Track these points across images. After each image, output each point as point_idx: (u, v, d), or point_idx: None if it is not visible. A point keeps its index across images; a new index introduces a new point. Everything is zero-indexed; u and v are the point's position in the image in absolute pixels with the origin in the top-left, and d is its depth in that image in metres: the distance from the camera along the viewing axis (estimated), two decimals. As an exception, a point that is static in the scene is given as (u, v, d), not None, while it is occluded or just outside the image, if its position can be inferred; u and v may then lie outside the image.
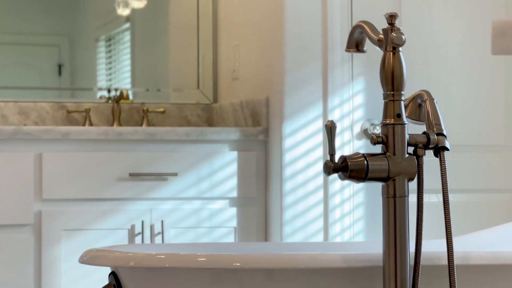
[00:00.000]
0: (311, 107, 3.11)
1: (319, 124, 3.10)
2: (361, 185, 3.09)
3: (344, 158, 1.45)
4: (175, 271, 1.54)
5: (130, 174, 2.99)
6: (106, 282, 1.65)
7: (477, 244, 1.97)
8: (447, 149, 1.50)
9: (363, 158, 1.44)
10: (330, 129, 1.45)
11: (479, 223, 2.98)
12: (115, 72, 3.70)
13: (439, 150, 1.49)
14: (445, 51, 3.17)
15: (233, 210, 3.15)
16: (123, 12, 3.64)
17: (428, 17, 3.14)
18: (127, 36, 3.72)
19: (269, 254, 1.62)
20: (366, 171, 1.43)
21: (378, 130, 3.10)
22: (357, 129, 3.12)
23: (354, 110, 3.13)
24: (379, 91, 3.06)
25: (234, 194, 3.14)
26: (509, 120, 3.21)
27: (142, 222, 3.03)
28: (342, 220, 3.10)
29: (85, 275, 2.86)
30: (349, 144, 3.12)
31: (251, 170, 3.17)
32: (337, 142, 3.11)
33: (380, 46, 1.49)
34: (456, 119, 3.11)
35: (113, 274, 1.60)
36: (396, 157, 1.45)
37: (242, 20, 3.47)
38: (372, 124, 3.11)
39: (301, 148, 3.11)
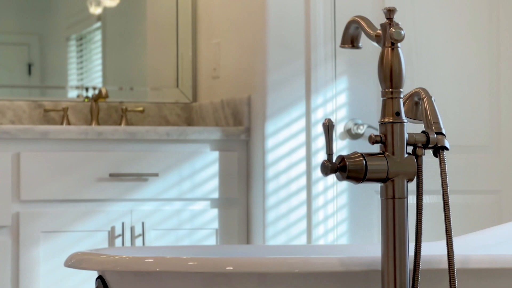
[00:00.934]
0: (294, 106, 3.07)
1: (302, 123, 3.06)
2: (344, 186, 3.06)
3: (342, 158, 1.40)
4: (164, 276, 1.49)
5: (110, 175, 2.93)
6: (86, 285, 1.60)
7: (471, 245, 1.93)
8: (447, 149, 1.46)
9: (361, 158, 1.39)
10: (327, 128, 1.40)
11: (465, 225, 2.96)
12: (86, 71, 3.64)
13: (438, 150, 1.45)
14: (429, 50, 3.14)
15: (215, 212, 3.10)
16: (95, 10, 3.57)
17: (411, 15, 3.12)
18: (98, 35, 3.66)
19: (263, 258, 1.57)
20: (365, 172, 1.39)
21: (361, 130, 3.06)
22: (340, 128, 3.08)
23: (337, 110, 3.09)
24: (363, 90, 3.09)
25: (216, 195, 3.10)
26: (493, 120, 3.19)
27: (123, 223, 2.97)
28: (326, 222, 3.06)
29: (64, 278, 2.80)
30: (333, 144, 3.07)
31: (232, 171, 3.12)
32: (320, 142, 3.07)
33: (377, 42, 1.44)
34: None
35: (100, 279, 1.54)
36: (395, 157, 1.41)
37: (222, 18, 3.41)
38: (355, 124, 3.07)
39: (283, 148, 3.07)
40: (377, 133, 3.06)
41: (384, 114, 1.42)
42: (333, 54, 3.05)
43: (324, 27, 3.04)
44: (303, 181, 3.06)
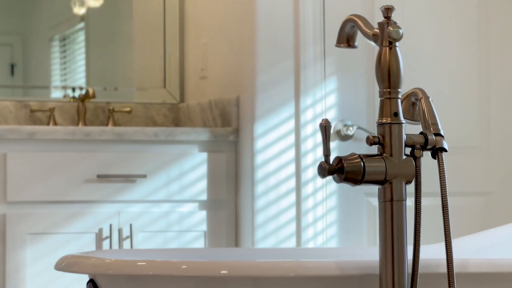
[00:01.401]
0: (283, 107, 3.04)
1: (291, 124, 3.04)
2: (334, 188, 3.04)
3: (339, 159, 1.37)
4: (157, 279, 1.46)
5: (98, 176, 2.90)
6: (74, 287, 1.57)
7: (468, 248, 1.92)
8: (446, 150, 1.44)
9: (359, 159, 1.37)
10: (324, 129, 1.38)
11: (455, 227, 2.94)
12: (70, 72, 3.60)
13: (437, 152, 1.43)
14: (418, 50, 3.13)
15: (203, 214, 3.07)
16: (79, 11, 3.53)
17: (401, 16, 3.09)
18: (82, 36, 3.63)
19: (257, 261, 1.55)
20: (363, 173, 1.36)
21: (351, 131, 3.04)
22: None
23: (326, 111, 3.07)
24: (352, 90, 3.08)
25: (204, 197, 3.07)
26: (483, 121, 3.18)
27: (110, 225, 2.94)
28: (315, 225, 3.04)
29: (51, 280, 2.76)
30: (322, 146, 3.05)
31: (221, 172, 3.09)
32: (309, 143, 3.05)
33: (375, 41, 1.42)
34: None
35: (91, 282, 1.51)
36: (393, 158, 1.38)
37: (210, 17, 3.39)
38: (345, 125, 3.05)
39: (273, 149, 3.05)
40: (367, 134, 3.06)
41: (382, 114, 1.39)
42: (322, 55, 3.03)
43: (313, 27, 3.02)
44: (292, 182, 3.04)
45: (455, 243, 1.95)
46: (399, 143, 1.39)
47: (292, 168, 3.03)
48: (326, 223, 3.05)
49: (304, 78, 3.03)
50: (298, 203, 3.03)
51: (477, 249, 1.98)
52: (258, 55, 3.03)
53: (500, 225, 3.00)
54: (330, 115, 3.06)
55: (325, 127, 1.39)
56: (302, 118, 3.03)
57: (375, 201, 3.04)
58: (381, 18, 1.42)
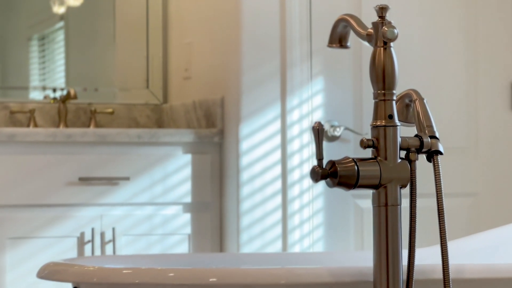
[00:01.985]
0: (269, 107, 3.00)
1: (277, 125, 3.00)
2: (320, 189, 3.00)
3: (332, 163, 1.33)
4: (143, 287, 1.41)
5: (80, 178, 2.85)
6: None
7: (462, 251, 1.89)
8: (441, 153, 1.40)
9: (353, 163, 1.32)
10: (317, 132, 1.33)
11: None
12: (49, 72, 3.55)
13: (432, 155, 1.39)
14: (406, 50, 3.08)
15: (187, 216, 3.03)
16: (59, 10, 3.48)
17: (388, 17, 3.06)
18: (61, 35, 3.57)
19: (247, 269, 1.51)
20: (357, 178, 1.32)
21: (338, 132, 3.00)
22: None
23: (313, 111, 3.03)
24: (339, 91, 3.04)
25: (188, 199, 3.03)
26: (471, 122, 3.16)
27: (92, 229, 2.89)
28: (302, 227, 3.00)
29: (32, 285, 2.70)
30: (308, 147, 3.01)
31: (205, 174, 3.05)
32: (296, 144, 3.01)
33: (369, 41, 1.38)
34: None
35: (75, 291, 1.46)
36: (388, 162, 1.34)
37: (195, 16, 3.34)
38: (332, 126, 3.01)
39: (258, 151, 3.01)
40: (354, 135, 3.02)
41: (376, 117, 1.35)
42: (309, 54, 2.99)
43: (300, 26, 2.98)
44: (278, 184, 3.00)
45: (451, 245, 1.91)
46: (394, 146, 1.35)
47: (278, 170, 2.99)
48: (313, 225, 3.01)
49: (291, 78, 2.99)
50: (284, 205, 2.99)
51: (471, 251, 1.95)
52: (244, 54, 2.98)
53: (486, 226, 3.00)
54: (317, 116, 3.02)
55: (318, 130, 1.34)
56: (289, 118, 2.99)
57: (362, 203, 3.01)
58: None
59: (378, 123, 1.34)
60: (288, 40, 2.98)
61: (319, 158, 1.34)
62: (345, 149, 2.93)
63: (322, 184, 1.38)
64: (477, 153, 3.17)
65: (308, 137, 3.02)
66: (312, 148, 3.01)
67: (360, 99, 3.03)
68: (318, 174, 1.33)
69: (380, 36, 1.35)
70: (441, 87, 3.14)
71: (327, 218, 3.03)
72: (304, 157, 3.00)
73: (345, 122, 3.02)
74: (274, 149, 3.01)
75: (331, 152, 2.88)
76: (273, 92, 3.00)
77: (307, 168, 2.98)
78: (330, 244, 3.02)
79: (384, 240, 1.34)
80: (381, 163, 1.33)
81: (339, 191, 2.89)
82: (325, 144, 3.03)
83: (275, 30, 2.99)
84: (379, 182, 1.33)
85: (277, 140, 3.01)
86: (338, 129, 3.00)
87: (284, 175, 2.99)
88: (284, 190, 2.99)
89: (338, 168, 1.32)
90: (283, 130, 3.00)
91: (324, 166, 1.34)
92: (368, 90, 3.03)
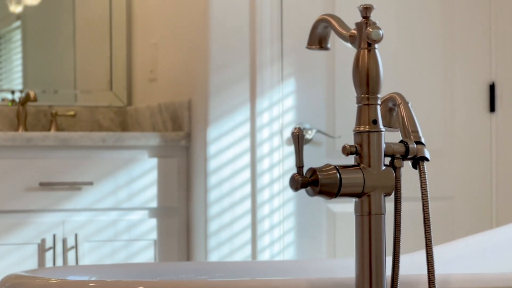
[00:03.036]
0: (238, 110, 2.93)
1: (247, 128, 2.94)
2: (291, 194, 2.93)
3: (313, 171, 1.26)
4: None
5: (41, 184, 2.75)
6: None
7: (445, 258, 1.84)
8: (427, 160, 1.34)
9: (335, 171, 1.25)
10: (297, 138, 1.26)
11: (420, 231, 2.86)
12: (5, 72, 3.44)
13: (418, 161, 1.33)
14: (381, 52, 3.02)
15: (153, 222, 2.95)
16: (15, 9, 3.37)
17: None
18: (18, 35, 3.47)
19: (221, 281, 1.43)
20: (339, 186, 1.25)
21: (310, 135, 2.94)
22: (287, 134, 2.95)
23: (284, 114, 2.96)
24: (311, 93, 2.97)
25: (154, 204, 2.96)
26: (447, 123, 3.11)
27: (54, 235, 2.80)
28: (272, 232, 2.93)
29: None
30: (278, 150, 2.95)
31: (172, 178, 2.97)
32: (266, 148, 2.95)
33: (352, 43, 1.31)
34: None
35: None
36: (371, 169, 1.28)
37: (161, 16, 3.25)
38: (303, 129, 2.94)
39: (227, 154, 2.93)
40: (326, 138, 2.96)
41: (359, 122, 1.28)
42: (280, 56, 2.92)
43: (270, 26, 2.91)
44: (247, 188, 2.93)
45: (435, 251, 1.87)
46: (378, 153, 1.28)
47: (247, 174, 2.92)
48: (283, 230, 2.95)
49: (261, 80, 2.91)
50: (254, 209, 2.92)
51: (453, 259, 1.91)
52: (212, 55, 2.91)
53: (463, 230, 2.96)
54: (288, 118, 2.95)
55: (298, 136, 1.26)
56: (258, 121, 2.92)
57: (334, 207, 2.94)
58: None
59: (362, 128, 1.28)
60: (258, 41, 2.91)
61: (299, 165, 1.27)
62: (317, 152, 2.87)
63: (309, 196, 1.31)
64: (452, 156, 3.12)
65: (279, 140, 2.95)
66: (283, 151, 2.95)
67: (333, 101, 2.97)
68: (298, 182, 1.26)
69: (364, 38, 1.28)
70: (417, 90, 3.08)
71: (298, 223, 2.97)
72: (274, 160, 2.93)
73: (317, 124, 2.96)
74: (243, 152, 2.94)
75: (303, 156, 2.81)
76: (242, 94, 2.92)
77: (277, 172, 2.92)
78: (302, 249, 2.96)
79: (367, 251, 1.28)
80: (365, 170, 1.27)
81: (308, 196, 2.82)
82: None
83: (245, 30, 2.92)
84: (362, 191, 1.27)
85: (246, 143, 2.94)
86: (310, 132, 2.94)
87: (253, 179, 2.92)
88: (253, 194, 2.92)
89: (320, 176, 1.25)
90: (253, 133, 2.93)
91: (304, 174, 1.27)
92: (341, 92, 2.98)
